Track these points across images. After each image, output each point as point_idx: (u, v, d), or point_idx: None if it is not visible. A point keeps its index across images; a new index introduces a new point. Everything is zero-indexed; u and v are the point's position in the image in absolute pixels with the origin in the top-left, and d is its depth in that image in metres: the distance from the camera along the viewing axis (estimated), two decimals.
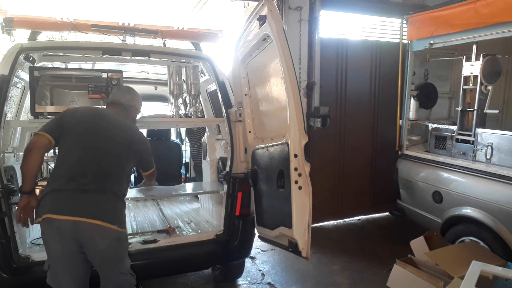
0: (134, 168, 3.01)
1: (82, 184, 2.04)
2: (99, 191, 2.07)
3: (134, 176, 4.62)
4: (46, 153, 2.17)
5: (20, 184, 3.03)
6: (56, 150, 2.32)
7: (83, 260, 2.09)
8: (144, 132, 5.12)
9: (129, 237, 2.67)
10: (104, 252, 2.05)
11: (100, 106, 2.77)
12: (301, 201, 2.28)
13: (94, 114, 2.31)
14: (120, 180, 2.21)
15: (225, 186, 3.06)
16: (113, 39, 3.32)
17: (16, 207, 2.51)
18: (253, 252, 3.97)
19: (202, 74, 3.68)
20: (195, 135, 4.78)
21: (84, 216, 1.98)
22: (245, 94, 3.03)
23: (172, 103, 3.61)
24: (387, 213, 5.41)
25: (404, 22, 4.07)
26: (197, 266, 3.26)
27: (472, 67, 3.48)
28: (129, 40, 3.28)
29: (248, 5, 4.73)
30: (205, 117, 4.06)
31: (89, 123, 2.22)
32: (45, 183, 2.17)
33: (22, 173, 2.11)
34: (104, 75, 2.92)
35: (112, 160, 2.18)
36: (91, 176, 2.07)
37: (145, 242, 2.80)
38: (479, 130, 3.40)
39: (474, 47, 3.42)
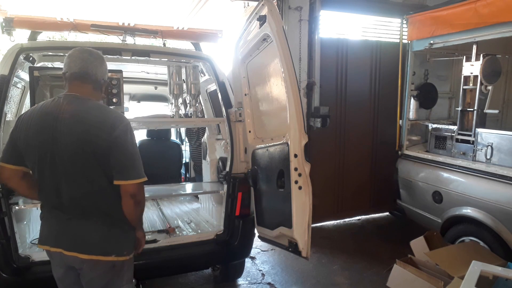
0: None
1: (63, 211, 1.78)
2: (82, 217, 1.77)
3: None
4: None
5: None
6: None
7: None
8: (144, 132, 5.20)
9: None
10: (96, 281, 1.83)
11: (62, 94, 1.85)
12: (301, 201, 2.28)
13: (48, 119, 1.73)
14: (106, 197, 1.78)
15: (225, 186, 3.05)
16: (113, 39, 3.32)
17: (17, 207, 2.53)
18: (253, 252, 3.96)
19: (202, 74, 3.68)
20: (195, 135, 4.78)
21: (66, 248, 1.77)
22: (245, 94, 3.03)
23: (172, 103, 3.60)
24: (387, 213, 5.39)
25: (404, 22, 4.08)
26: (197, 266, 3.26)
27: (472, 67, 3.48)
28: (129, 40, 3.28)
29: (248, 5, 4.73)
30: (205, 117, 4.06)
31: (45, 134, 1.72)
32: None
33: None
34: None
35: (87, 175, 1.73)
36: (69, 202, 1.75)
37: (145, 242, 2.80)
38: (479, 130, 3.40)
39: (474, 47, 3.42)
